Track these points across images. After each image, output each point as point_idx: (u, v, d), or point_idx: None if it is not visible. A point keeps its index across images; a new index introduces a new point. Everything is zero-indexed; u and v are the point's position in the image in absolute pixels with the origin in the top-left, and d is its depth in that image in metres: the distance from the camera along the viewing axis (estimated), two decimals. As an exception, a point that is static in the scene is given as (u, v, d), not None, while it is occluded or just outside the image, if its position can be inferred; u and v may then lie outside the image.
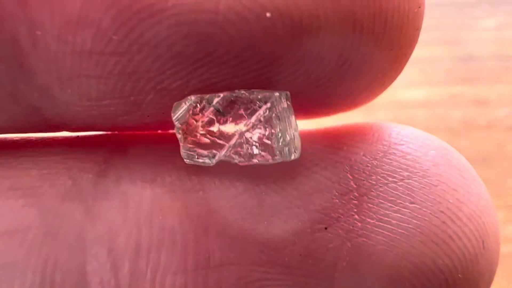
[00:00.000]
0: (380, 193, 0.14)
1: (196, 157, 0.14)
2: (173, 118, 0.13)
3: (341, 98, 0.15)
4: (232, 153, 0.14)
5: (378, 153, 0.14)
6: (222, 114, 0.13)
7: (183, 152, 0.14)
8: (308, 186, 0.14)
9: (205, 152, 0.14)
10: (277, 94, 0.13)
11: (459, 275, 0.14)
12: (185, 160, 0.14)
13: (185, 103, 0.13)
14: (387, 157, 0.14)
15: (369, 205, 0.14)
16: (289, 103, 0.14)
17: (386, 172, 0.14)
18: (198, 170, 0.15)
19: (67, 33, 0.12)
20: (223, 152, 0.14)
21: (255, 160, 0.14)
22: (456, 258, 0.14)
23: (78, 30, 0.12)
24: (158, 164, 0.15)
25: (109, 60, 0.13)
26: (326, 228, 0.14)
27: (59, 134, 0.15)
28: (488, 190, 0.34)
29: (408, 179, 0.14)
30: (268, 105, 0.13)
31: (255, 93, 0.13)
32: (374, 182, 0.14)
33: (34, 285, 0.14)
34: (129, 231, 0.14)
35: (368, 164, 0.14)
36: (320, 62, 0.13)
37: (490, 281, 0.14)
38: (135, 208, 0.14)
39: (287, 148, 0.13)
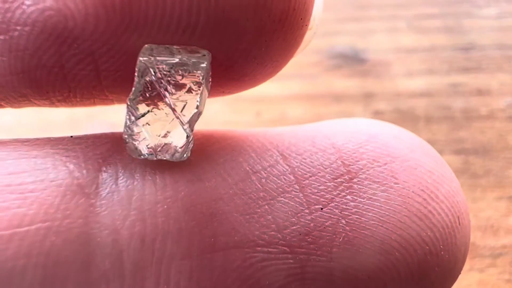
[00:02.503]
0: (368, 176, 0.16)
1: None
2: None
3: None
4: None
5: (361, 142, 0.16)
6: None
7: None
8: (303, 172, 0.16)
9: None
10: (204, 64, 0.15)
11: (441, 246, 0.15)
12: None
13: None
14: (370, 145, 0.16)
15: (359, 186, 0.15)
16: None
17: (371, 158, 0.16)
18: (198, 160, 0.16)
19: None
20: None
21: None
22: (437, 231, 0.15)
23: None
24: (155, 160, 0.15)
25: None
26: (322, 209, 0.15)
27: (55, 135, 0.16)
28: (490, 181, 0.34)
29: (391, 163, 0.16)
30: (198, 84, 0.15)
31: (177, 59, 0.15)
32: (361, 167, 0.16)
33: (35, 281, 0.14)
34: (133, 221, 0.14)
35: (354, 151, 0.16)
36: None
37: (465, 254, 0.16)
38: (139, 200, 0.15)
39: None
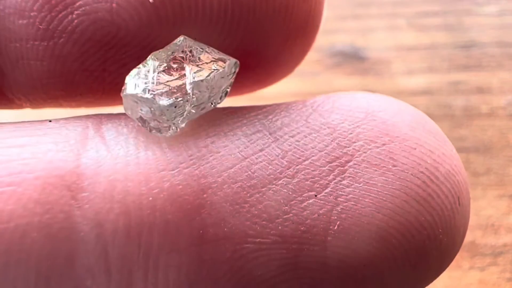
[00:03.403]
0: (364, 159, 0.15)
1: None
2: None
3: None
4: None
5: (358, 120, 0.15)
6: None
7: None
8: (296, 156, 0.15)
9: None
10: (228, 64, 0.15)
11: (439, 230, 0.15)
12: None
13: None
14: (368, 123, 0.15)
15: (355, 170, 0.15)
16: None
17: (368, 138, 0.15)
18: (184, 147, 0.15)
19: (9, 23, 0.16)
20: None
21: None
22: (436, 215, 0.14)
23: (16, 21, 0.15)
24: (140, 141, 0.15)
25: (39, 46, 0.16)
26: (315, 196, 0.14)
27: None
28: (491, 179, 0.34)
29: (389, 144, 0.15)
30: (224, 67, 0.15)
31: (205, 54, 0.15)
32: (357, 149, 0.15)
33: (18, 278, 0.13)
34: (117, 214, 0.14)
35: (351, 131, 0.15)
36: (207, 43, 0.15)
37: (463, 235, 0.16)
38: (122, 192, 0.14)
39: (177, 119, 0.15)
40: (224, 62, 0.15)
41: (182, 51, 0.15)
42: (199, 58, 0.15)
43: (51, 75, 0.16)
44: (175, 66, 0.15)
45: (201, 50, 0.15)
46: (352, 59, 0.40)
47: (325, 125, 0.15)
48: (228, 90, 0.16)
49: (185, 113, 0.15)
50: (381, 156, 0.15)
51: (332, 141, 0.15)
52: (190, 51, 0.15)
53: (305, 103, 0.16)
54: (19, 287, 0.13)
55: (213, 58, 0.15)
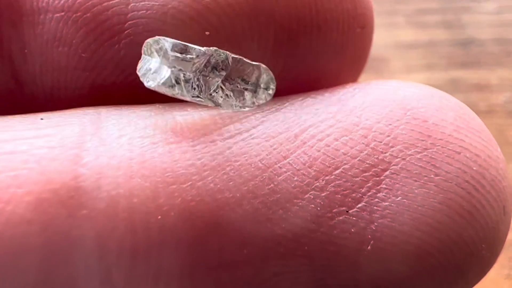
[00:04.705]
0: (403, 167, 0.13)
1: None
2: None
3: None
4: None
5: (396, 119, 0.13)
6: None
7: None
8: (325, 165, 0.13)
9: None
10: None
11: (483, 245, 0.13)
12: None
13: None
14: (407, 123, 0.13)
15: (393, 181, 0.13)
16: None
17: (407, 142, 0.13)
18: (197, 154, 0.13)
19: (47, 51, 0.15)
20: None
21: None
22: (480, 228, 0.13)
23: (54, 48, 0.14)
24: (145, 144, 0.13)
25: (81, 75, 0.15)
26: (347, 211, 0.13)
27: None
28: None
29: (431, 149, 0.13)
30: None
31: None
32: (395, 155, 0.13)
33: None
34: (122, 234, 0.12)
35: (388, 133, 0.13)
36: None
37: (504, 243, 0.14)
38: (127, 210, 0.12)
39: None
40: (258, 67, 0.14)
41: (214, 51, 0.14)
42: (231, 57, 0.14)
43: (90, 100, 0.15)
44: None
45: (235, 56, 0.14)
46: (350, 57, 0.40)
47: (358, 126, 0.13)
48: (259, 102, 0.14)
49: (190, 70, 0.13)
50: (421, 164, 0.13)
51: (366, 145, 0.13)
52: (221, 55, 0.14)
53: (333, 93, 0.14)
54: None
55: (247, 60, 0.14)
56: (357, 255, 0.13)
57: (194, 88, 0.13)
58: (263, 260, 0.13)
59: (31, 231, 0.12)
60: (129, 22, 0.14)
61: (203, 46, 0.14)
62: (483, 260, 0.13)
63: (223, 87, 0.14)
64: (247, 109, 0.14)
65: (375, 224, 0.13)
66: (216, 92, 0.13)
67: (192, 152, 0.13)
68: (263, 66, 0.14)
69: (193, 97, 0.13)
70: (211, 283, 0.13)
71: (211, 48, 0.14)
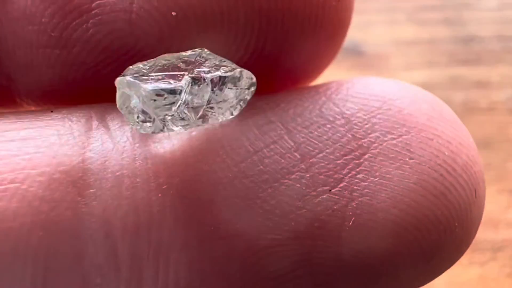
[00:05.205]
0: (380, 151, 0.14)
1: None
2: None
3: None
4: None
5: (374, 110, 0.15)
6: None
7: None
8: (310, 149, 0.14)
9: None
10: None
11: (456, 223, 0.14)
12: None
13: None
14: (384, 113, 0.15)
15: (371, 163, 0.14)
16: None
17: (384, 129, 0.14)
18: (193, 140, 0.14)
19: (18, 29, 0.15)
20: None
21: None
22: (453, 208, 0.14)
23: (25, 26, 0.15)
24: (145, 137, 0.14)
25: (51, 53, 0.15)
26: (330, 190, 0.14)
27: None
28: (491, 174, 0.34)
29: (406, 135, 0.14)
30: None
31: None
32: (373, 140, 0.14)
33: (26, 276, 0.13)
34: (126, 212, 0.13)
35: (366, 122, 0.15)
36: (228, 53, 0.15)
37: (478, 225, 0.15)
38: (130, 189, 0.14)
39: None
40: (241, 74, 0.14)
41: (197, 57, 0.14)
42: (213, 63, 0.14)
43: (62, 82, 0.15)
44: (182, 65, 0.14)
45: (218, 60, 0.14)
46: (351, 54, 0.40)
47: (340, 115, 0.15)
48: (241, 106, 0.15)
49: (174, 110, 0.14)
50: (397, 149, 0.14)
51: (347, 132, 0.15)
52: (204, 58, 0.14)
53: (318, 90, 0.16)
54: (27, 286, 0.13)
55: (229, 68, 0.14)
56: (339, 230, 0.14)
57: (183, 119, 0.14)
58: (254, 234, 0.14)
59: (44, 207, 0.13)
60: (96, 2, 0.14)
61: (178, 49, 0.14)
62: (457, 238, 0.14)
63: (209, 108, 0.14)
64: (235, 115, 0.15)
65: (356, 202, 0.14)
66: (205, 115, 0.14)
67: (189, 137, 0.14)
68: (241, 70, 0.14)
69: (182, 126, 0.14)
70: (206, 257, 0.14)
71: (189, 52, 0.14)
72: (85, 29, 0.14)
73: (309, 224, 0.14)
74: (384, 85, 0.15)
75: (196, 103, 0.14)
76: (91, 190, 0.13)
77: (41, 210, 0.13)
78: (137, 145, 0.14)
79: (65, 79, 0.15)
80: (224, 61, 0.14)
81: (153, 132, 0.14)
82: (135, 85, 0.13)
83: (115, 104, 0.14)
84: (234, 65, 0.14)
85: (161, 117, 0.14)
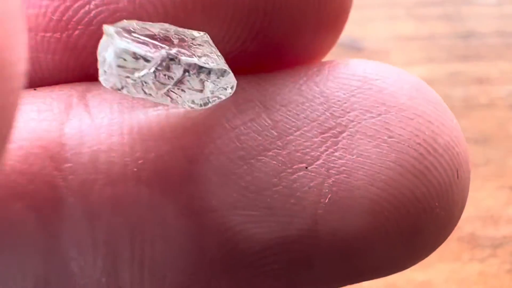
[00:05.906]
0: (359, 129, 0.14)
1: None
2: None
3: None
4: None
5: (354, 89, 0.15)
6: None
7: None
8: (287, 126, 0.14)
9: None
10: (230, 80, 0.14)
11: (436, 203, 0.14)
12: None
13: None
14: (364, 92, 0.15)
15: (349, 141, 0.14)
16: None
17: (363, 108, 0.14)
18: (170, 116, 0.14)
19: None
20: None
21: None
22: (432, 188, 0.14)
23: (25, 9, 0.14)
24: (124, 108, 0.14)
25: (51, 38, 0.15)
26: (306, 167, 0.14)
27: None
28: (490, 170, 0.34)
29: (385, 114, 0.14)
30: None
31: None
32: (352, 119, 0.14)
33: (2, 252, 0.13)
34: (102, 186, 0.13)
35: (345, 101, 0.15)
36: (232, 36, 0.15)
37: (462, 208, 0.15)
38: (106, 163, 0.14)
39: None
40: (222, 73, 0.14)
41: (193, 39, 0.14)
42: (204, 52, 0.14)
43: (63, 69, 0.15)
44: (175, 41, 0.14)
45: (210, 51, 0.14)
46: (350, 50, 0.40)
47: (319, 94, 0.15)
48: (212, 102, 0.15)
49: (137, 76, 0.13)
50: (376, 127, 0.14)
51: (325, 110, 0.14)
52: (198, 43, 0.14)
53: (300, 70, 0.16)
54: (4, 258, 0.13)
55: (215, 63, 0.14)
56: (315, 207, 0.14)
57: (144, 89, 0.14)
58: (229, 209, 0.14)
59: (21, 180, 0.13)
60: None
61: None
62: (438, 219, 0.14)
63: (179, 90, 0.14)
64: (210, 105, 0.15)
65: (332, 179, 0.14)
66: (170, 96, 0.14)
67: (166, 114, 0.14)
68: (226, 70, 0.14)
69: (144, 96, 0.14)
70: (182, 232, 0.14)
71: (166, 27, 0.14)
72: (87, 11, 0.14)
73: (285, 200, 0.14)
74: (367, 66, 0.15)
75: (163, 80, 0.14)
76: (68, 165, 0.13)
77: (18, 183, 0.13)
78: (115, 120, 0.14)
79: (65, 66, 0.15)
80: (216, 55, 0.14)
81: (111, 88, 0.14)
82: (112, 37, 0.13)
83: (98, 82, 0.14)
84: (222, 62, 0.14)
85: (122, 77, 0.13)
